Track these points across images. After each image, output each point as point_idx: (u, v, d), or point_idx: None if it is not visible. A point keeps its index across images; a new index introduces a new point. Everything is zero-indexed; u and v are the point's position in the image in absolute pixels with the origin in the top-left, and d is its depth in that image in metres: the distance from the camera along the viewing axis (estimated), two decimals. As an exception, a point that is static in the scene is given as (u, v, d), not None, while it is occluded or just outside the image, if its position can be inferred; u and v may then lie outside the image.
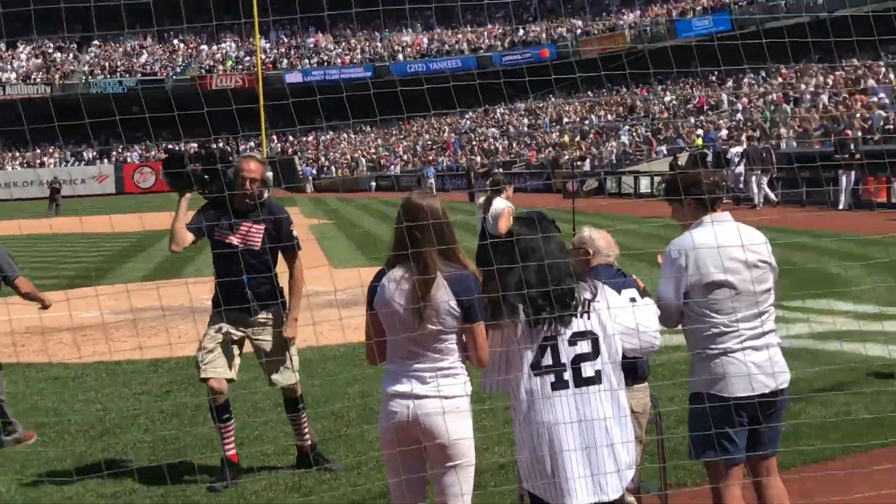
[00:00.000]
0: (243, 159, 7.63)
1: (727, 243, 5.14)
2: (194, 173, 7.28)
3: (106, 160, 73.91)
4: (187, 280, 15.90)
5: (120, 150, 75.77)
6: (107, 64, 79.45)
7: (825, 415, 8.11)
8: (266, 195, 7.64)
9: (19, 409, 9.41)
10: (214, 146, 7.95)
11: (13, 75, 77.93)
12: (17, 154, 75.56)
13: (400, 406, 4.72)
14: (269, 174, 7.70)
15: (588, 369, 4.51)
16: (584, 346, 4.52)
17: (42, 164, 73.29)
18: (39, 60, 79.66)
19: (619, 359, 4.62)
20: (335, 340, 11.37)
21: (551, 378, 4.50)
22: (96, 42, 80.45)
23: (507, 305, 4.50)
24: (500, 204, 12.03)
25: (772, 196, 31.68)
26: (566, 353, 4.50)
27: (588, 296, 4.56)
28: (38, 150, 75.66)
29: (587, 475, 4.45)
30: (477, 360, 4.75)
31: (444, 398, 4.70)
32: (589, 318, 4.55)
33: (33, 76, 77.56)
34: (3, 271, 8.32)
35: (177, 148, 7.70)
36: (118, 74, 77.85)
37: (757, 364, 5.13)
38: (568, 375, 4.49)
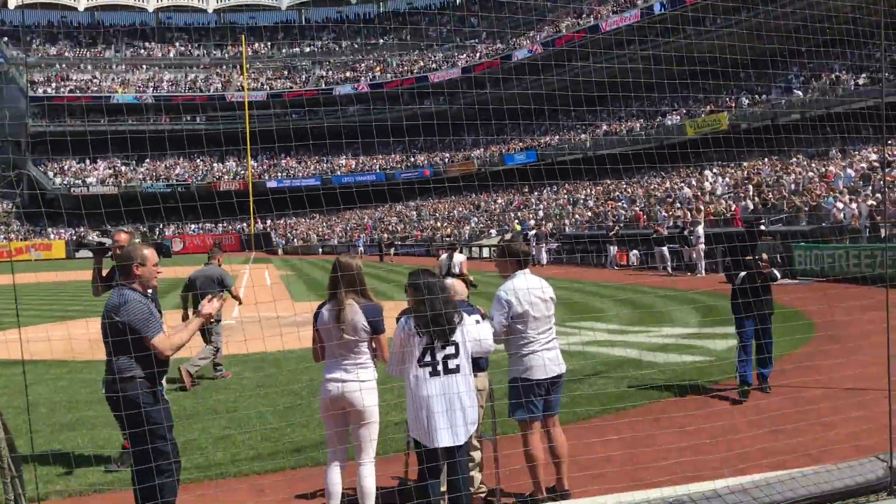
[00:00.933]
0: (115, 232, 6.51)
1: (532, 286, 5.26)
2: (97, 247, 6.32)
3: (152, 234, 71.84)
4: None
5: (161, 227, 73.83)
6: (155, 173, 77.60)
7: (589, 390, 8.25)
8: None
9: None
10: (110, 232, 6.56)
11: (94, 179, 75.64)
12: (91, 230, 73.09)
13: (333, 386, 4.72)
14: (136, 241, 6.29)
15: (451, 363, 4.59)
16: (450, 350, 4.61)
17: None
18: (111, 171, 77.47)
19: (470, 356, 4.71)
20: (295, 346, 11.22)
21: (429, 369, 4.57)
22: (148, 160, 78.58)
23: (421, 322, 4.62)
24: (461, 257, 12.49)
25: (544, 260, 32.30)
26: (440, 354, 4.58)
27: (457, 320, 4.66)
28: (109, 226, 73.34)
29: (447, 427, 4.49)
30: (381, 358, 4.82)
31: (360, 381, 4.71)
32: (455, 332, 4.62)
33: (107, 181, 75.30)
34: None
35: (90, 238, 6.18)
36: (162, 180, 76.04)
37: (549, 358, 5.24)
38: (440, 368, 4.56)
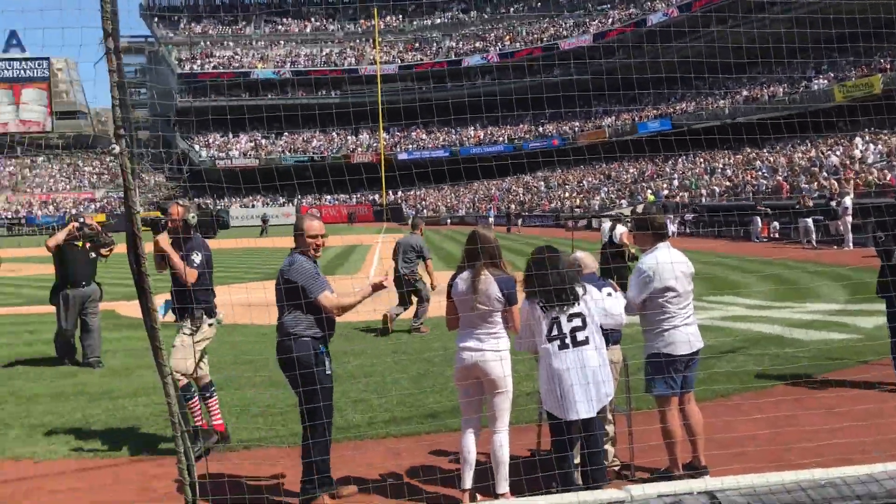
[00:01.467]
0: (171, 205, 6.18)
1: (677, 260, 5.15)
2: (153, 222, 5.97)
3: (290, 204, 74.79)
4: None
5: (299, 198, 76.65)
6: (293, 146, 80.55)
7: (727, 367, 8.00)
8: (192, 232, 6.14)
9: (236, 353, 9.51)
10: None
11: (236, 152, 79.41)
12: (234, 200, 76.93)
13: (467, 355, 4.76)
14: (191, 216, 6.11)
15: (580, 335, 4.59)
16: (576, 322, 4.60)
17: (253, 206, 74.50)
18: (252, 144, 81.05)
19: (599, 329, 4.68)
20: (432, 314, 11.37)
21: (558, 342, 4.59)
22: (285, 134, 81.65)
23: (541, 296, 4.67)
24: (622, 228, 12.76)
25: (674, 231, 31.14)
26: (566, 327, 4.58)
27: (580, 291, 4.64)
28: (249, 197, 76.93)
29: (582, 400, 4.49)
30: (514, 328, 4.81)
31: (495, 351, 4.74)
32: (579, 304, 4.62)
33: (248, 154, 78.95)
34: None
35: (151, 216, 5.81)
36: (299, 153, 78.86)
37: (690, 334, 5.12)
38: (569, 340, 4.56)
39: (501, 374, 4.72)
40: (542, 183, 63.49)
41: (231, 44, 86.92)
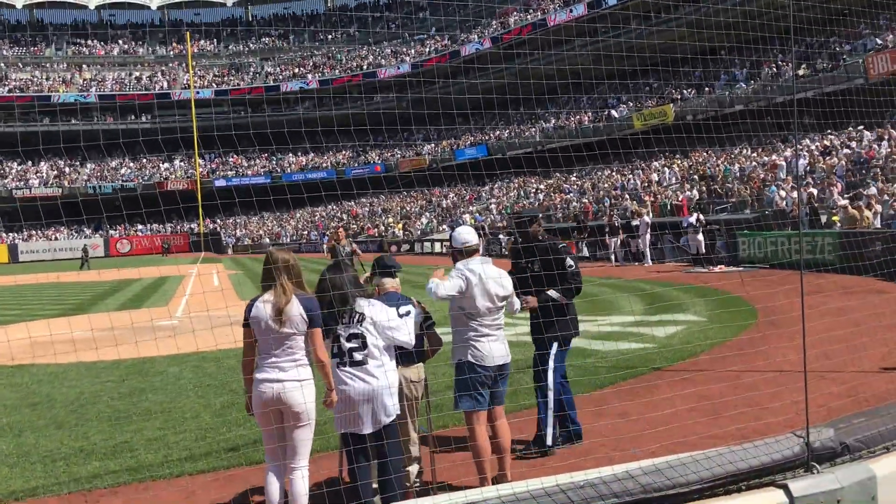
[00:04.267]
0: None
1: (491, 274, 5.17)
2: None
3: (98, 235, 70.34)
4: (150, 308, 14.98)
5: (107, 229, 72.34)
6: (101, 174, 75.80)
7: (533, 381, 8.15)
8: None
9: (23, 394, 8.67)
10: None
11: (37, 181, 73.69)
12: (35, 232, 71.49)
13: (267, 387, 4.39)
14: None
15: (357, 355, 4.58)
16: (355, 343, 4.58)
17: (57, 238, 69.53)
18: (54, 172, 75.48)
19: (384, 349, 4.65)
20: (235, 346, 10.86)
21: (337, 360, 4.59)
22: (93, 160, 76.76)
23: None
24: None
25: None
26: (345, 346, 4.58)
27: (359, 311, 4.64)
28: (52, 229, 71.65)
29: (351, 417, 4.57)
30: (317, 355, 4.46)
31: (299, 380, 4.43)
32: (360, 324, 4.59)
33: (50, 182, 73.44)
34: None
35: None
36: (108, 181, 74.36)
37: (496, 347, 5.14)
38: (346, 359, 4.54)
39: (304, 407, 4.39)
40: (367, 208, 63.60)
41: (29, 67, 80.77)
